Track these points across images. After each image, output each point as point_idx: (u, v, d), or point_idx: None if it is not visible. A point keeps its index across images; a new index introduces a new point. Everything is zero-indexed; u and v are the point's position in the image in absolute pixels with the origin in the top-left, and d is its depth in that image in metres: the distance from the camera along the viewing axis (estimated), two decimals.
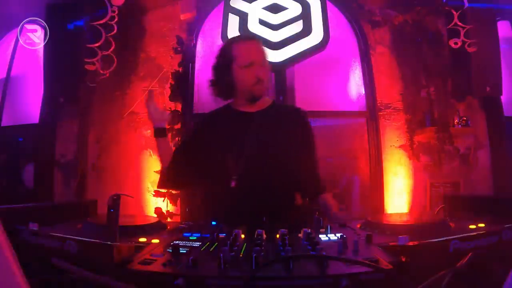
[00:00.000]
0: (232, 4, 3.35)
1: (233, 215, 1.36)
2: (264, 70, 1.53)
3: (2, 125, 3.77)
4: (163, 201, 3.29)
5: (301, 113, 1.66)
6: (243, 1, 3.34)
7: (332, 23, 3.23)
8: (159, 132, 1.62)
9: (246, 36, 1.75)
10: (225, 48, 1.60)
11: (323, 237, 0.93)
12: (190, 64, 3.52)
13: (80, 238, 0.85)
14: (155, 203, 3.32)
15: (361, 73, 3.59)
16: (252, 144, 1.49)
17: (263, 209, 1.31)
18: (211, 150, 1.54)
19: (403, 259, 0.70)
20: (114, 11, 3.27)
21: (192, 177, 1.58)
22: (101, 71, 3.27)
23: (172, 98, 3.43)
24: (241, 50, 1.54)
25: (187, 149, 1.64)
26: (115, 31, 3.31)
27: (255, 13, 3.29)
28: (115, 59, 3.35)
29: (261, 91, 1.54)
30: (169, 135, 3.38)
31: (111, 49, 3.31)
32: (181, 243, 0.82)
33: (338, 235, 0.93)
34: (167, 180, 1.61)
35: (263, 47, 1.59)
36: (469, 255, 0.77)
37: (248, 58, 1.51)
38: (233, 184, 1.47)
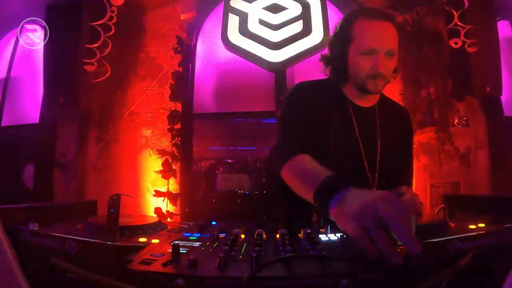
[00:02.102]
0: (232, 4, 3.35)
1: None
2: (388, 62, 1.20)
3: (2, 125, 3.77)
4: (163, 201, 3.30)
5: (409, 116, 1.50)
6: (243, 1, 3.34)
7: (332, 23, 3.23)
8: None
9: (374, 11, 1.24)
10: (345, 23, 1.27)
11: (323, 237, 0.93)
12: (190, 64, 3.52)
13: (80, 238, 0.85)
14: (155, 203, 3.32)
15: None
16: (364, 142, 1.30)
17: None
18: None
19: (403, 259, 0.70)
20: (113, 11, 3.28)
21: None
22: (101, 71, 3.27)
23: (172, 98, 3.43)
24: (363, 31, 1.20)
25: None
26: (114, 31, 3.31)
27: (255, 13, 3.29)
28: (115, 59, 3.35)
29: (377, 88, 1.24)
30: (170, 134, 3.39)
31: (110, 49, 3.31)
32: (181, 243, 0.82)
33: (338, 235, 0.93)
34: None
35: (395, 30, 1.22)
36: (469, 255, 0.77)
37: (370, 43, 1.18)
38: None
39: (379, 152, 1.31)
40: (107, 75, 3.30)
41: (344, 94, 1.34)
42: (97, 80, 3.27)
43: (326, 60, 1.35)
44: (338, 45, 1.28)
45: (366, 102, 1.34)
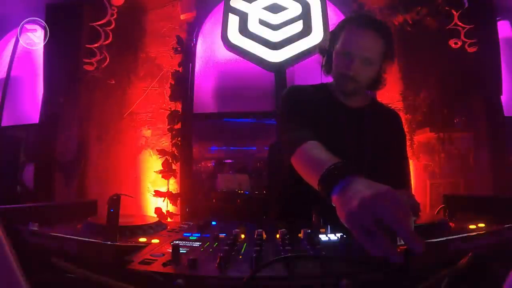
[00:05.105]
0: (232, 4, 3.35)
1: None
2: (362, 68, 1.30)
3: (2, 125, 3.77)
4: (163, 201, 3.30)
5: (400, 119, 1.54)
6: (243, 1, 3.34)
7: (332, 23, 3.23)
8: None
9: (363, 20, 1.35)
10: (339, 26, 1.40)
11: (323, 237, 0.93)
12: (190, 64, 3.52)
13: (80, 238, 0.85)
14: (155, 203, 3.32)
15: None
16: (352, 144, 1.33)
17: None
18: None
19: (403, 259, 0.70)
20: (114, 9, 3.28)
21: None
22: (100, 71, 3.27)
23: (172, 98, 3.43)
24: (347, 36, 1.33)
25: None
26: (114, 31, 3.31)
27: (255, 13, 3.30)
28: (115, 59, 3.35)
29: (347, 87, 1.34)
30: (170, 134, 3.39)
31: (111, 49, 3.31)
32: (181, 243, 0.82)
33: (338, 235, 0.93)
34: None
35: (379, 40, 1.31)
36: (469, 255, 0.77)
37: (347, 46, 1.31)
38: None
39: (368, 152, 1.34)
40: (106, 62, 3.28)
41: (333, 94, 1.43)
42: (95, 72, 3.25)
43: (321, 51, 1.48)
44: (330, 42, 1.42)
45: (353, 102, 1.41)
